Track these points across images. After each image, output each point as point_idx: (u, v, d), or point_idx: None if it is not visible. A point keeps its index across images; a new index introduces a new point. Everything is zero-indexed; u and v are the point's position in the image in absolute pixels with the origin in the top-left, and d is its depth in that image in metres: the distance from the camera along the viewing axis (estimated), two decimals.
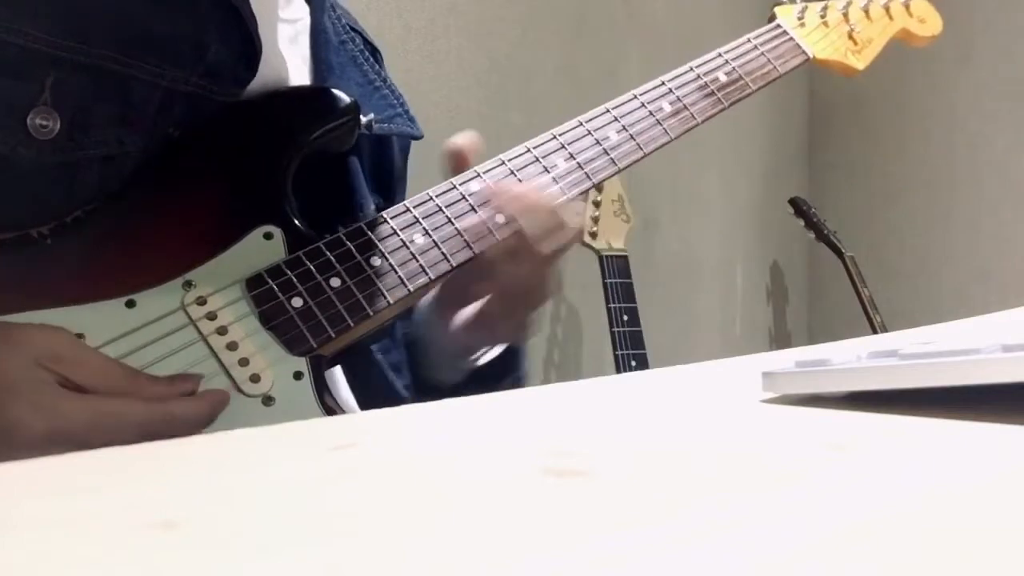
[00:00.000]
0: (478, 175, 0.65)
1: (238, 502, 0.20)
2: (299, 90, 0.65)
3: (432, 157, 0.77)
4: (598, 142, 0.69)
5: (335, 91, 0.64)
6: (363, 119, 0.65)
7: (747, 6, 2.37)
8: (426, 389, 0.75)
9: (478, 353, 0.72)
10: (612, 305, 1.69)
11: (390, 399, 0.68)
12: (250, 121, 0.61)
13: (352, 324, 0.58)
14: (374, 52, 0.76)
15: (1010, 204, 2.31)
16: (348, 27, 0.74)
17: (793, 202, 2.33)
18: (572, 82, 1.84)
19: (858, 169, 2.59)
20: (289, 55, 0.66)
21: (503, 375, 0.74)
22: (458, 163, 0.67)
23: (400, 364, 0.71)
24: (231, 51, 0.60)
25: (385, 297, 0.59)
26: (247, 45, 0.60)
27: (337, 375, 0.65)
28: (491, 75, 1.72)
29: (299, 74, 0.66)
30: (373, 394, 0.67)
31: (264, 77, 0.61)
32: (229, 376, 0.54)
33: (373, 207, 0.68)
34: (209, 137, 0.60)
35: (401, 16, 1.58)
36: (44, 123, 0.53)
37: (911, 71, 2.41)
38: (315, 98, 0.64)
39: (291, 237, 0.58)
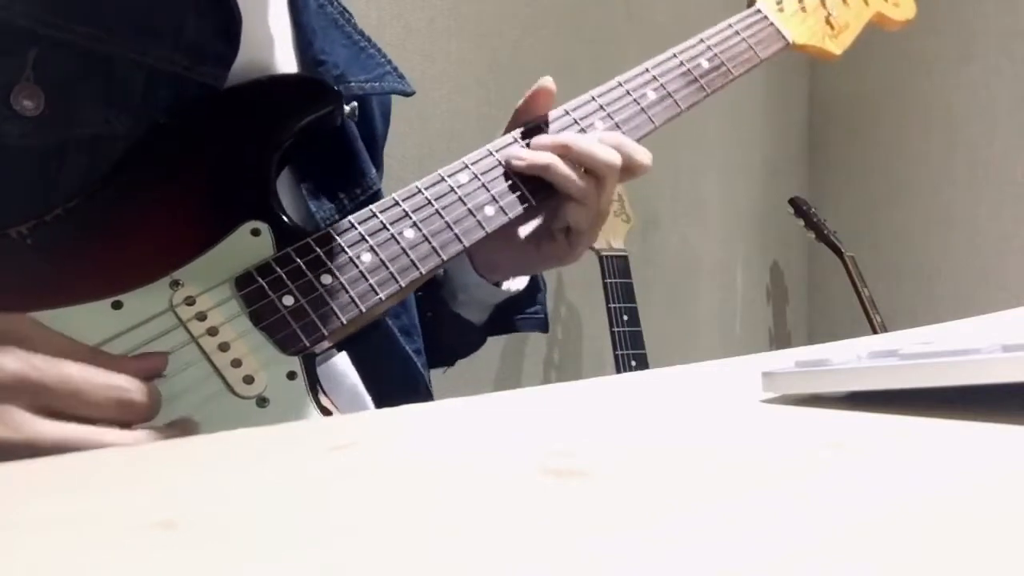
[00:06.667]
0: (466, 166, 0.65)
1: (238, 502, 0.20)
2: (282, 79, 0.64)
3: (429, 152, 0.77)
4: (584, 131, 0.70)
5: (317, 79, 0.64)
6: (347, 107, 0.64)
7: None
8: (456, 327, 0.79)
9: (505, 284, 0.77)
10: (612, 305, 1.69)
11: (399, 364, 0.68)
12: (232, 113, 0.60)
13: (344, 322, 0.57)
14: (348, 15, 0.76)
15: (1010, 204, 2.31)
16: None
17: (793, 202, 2.33)
18: (572, 82, 1.83)
19: (858, 169, 2.59)
20: (271, 24, 0.65)
21: (526, 305, 0.80)
22: (544, 101, 0.71)
23: (410, 328, 0.71)
24: (211, 25, 0.59)
25: (377, 293, 0.58)
26: (227, 18, 0.59)
27: (339, 362, 0.65)
28: (491, 75, 1.72)
29: (283, 43, 0.66)
30: (382, 359, 0.66)
31: (248, 52, 0.61)
32: (222, 378, 0.53)
33: (375, 172, 0.68)
34: (192, 130, 0.59)
35: (401, 16, 1.58)
36: (28, 101, 0.53)
37: (911, 71, 2.41)
38: (298, 87, 0.63)
39: (279, 233, 0.57)
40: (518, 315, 0.81)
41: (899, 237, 2.49)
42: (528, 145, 0.69)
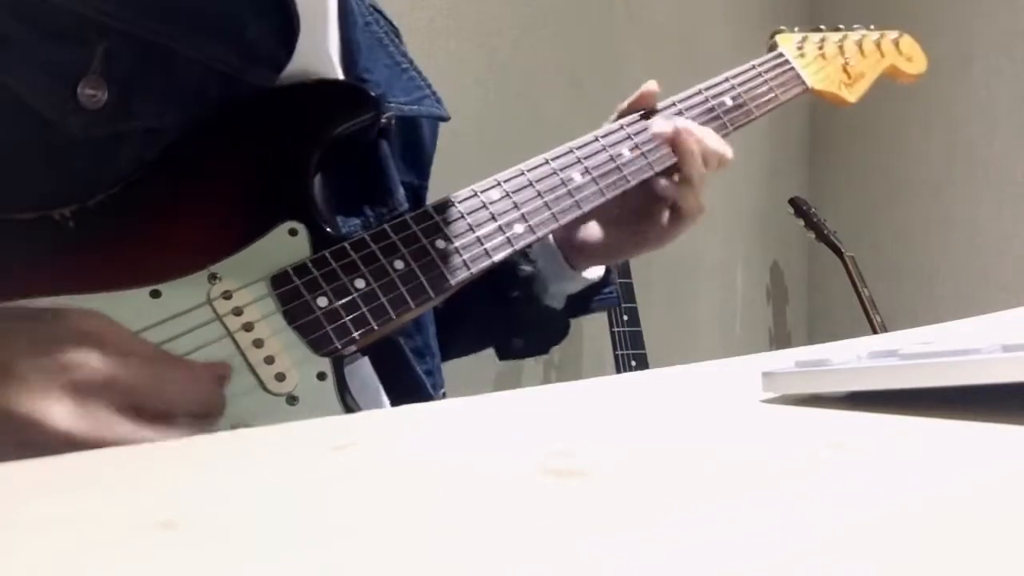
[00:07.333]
0: (498, 183, 0.67)
1: (238, 502, 0.20)
2: (325, 83, 0.65)
3: (438, 155, 0.78)
4: (612, 159, 0.72)
5: (358, 86, 0.65)
6: (383, 119, 0.65)
7: (747, 7, 2.36)
8: (548, 319, 0.84)
9: (585, 273, 0.82)
10: None
11: (410, 384, 0.68)
12: (275, 112, 0.61)
13: (376, 327, 0.58)
14: (396, 32, 0.77)
15: (1010, 204, 2.31)
16: (370, 7, 0.75)
17: (793, 202, 2.33)
18: (572, 82, 1.84)
19: (858, 169, 2.59)
20: (327, 39, 0.66)
21: (602, 287, 0.86)
22: (649, 102, 0.77)
23: (422, 349, 0.72)
24: (269, 29, 0.59)
25: (408, 302, 0.59)
26: (286, 24, 0.60)
27: (364, 366, 0.65)
28: (491, 75, 1.72)
29: (333, 58, 0.67)
30: (394, 379, 0.67)
31: (300, 63, 0.61)
32: (254, 373, 0.54)
33: (403, 192, 0.69)
34: (236, 127, 0.60)
35: (401, 16, 1.58)
36: (93, 92, 0.53)
37: None
38: (338, 93, 0.64)
39: (315, 234, 0.58)
40: (596, 296, 0.86)
41: (899, 237, 2.49)
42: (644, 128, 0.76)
